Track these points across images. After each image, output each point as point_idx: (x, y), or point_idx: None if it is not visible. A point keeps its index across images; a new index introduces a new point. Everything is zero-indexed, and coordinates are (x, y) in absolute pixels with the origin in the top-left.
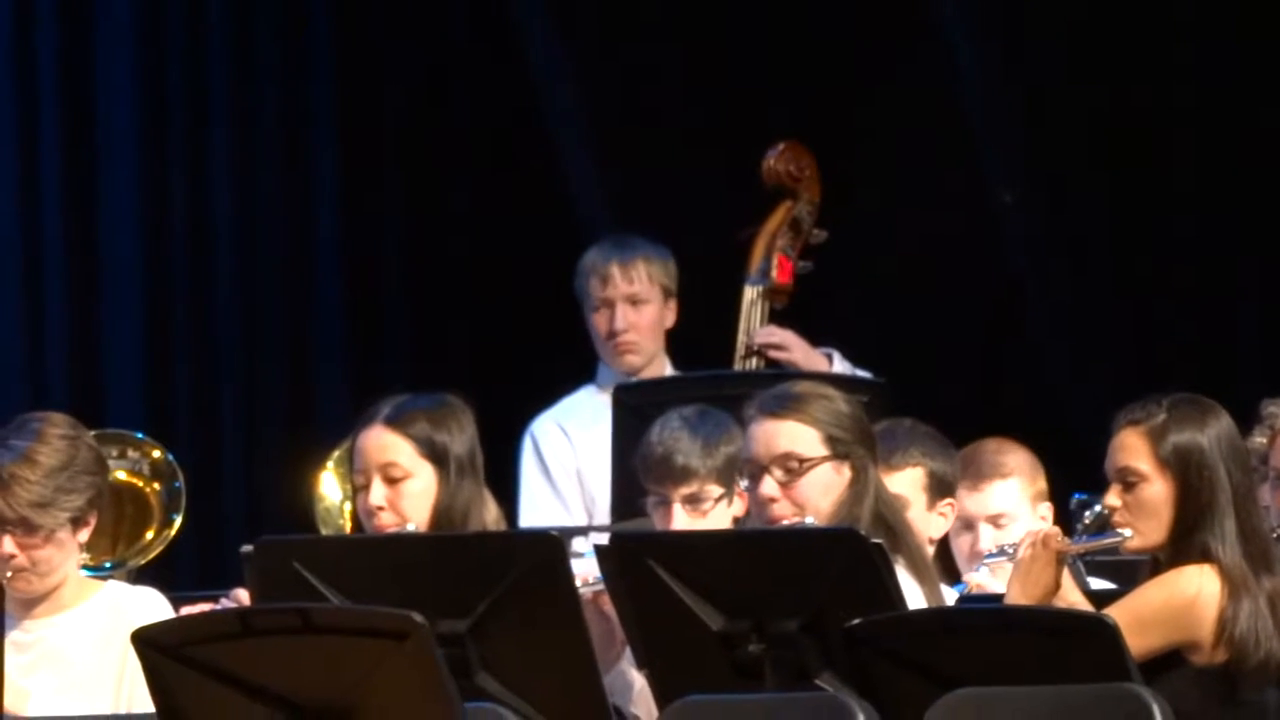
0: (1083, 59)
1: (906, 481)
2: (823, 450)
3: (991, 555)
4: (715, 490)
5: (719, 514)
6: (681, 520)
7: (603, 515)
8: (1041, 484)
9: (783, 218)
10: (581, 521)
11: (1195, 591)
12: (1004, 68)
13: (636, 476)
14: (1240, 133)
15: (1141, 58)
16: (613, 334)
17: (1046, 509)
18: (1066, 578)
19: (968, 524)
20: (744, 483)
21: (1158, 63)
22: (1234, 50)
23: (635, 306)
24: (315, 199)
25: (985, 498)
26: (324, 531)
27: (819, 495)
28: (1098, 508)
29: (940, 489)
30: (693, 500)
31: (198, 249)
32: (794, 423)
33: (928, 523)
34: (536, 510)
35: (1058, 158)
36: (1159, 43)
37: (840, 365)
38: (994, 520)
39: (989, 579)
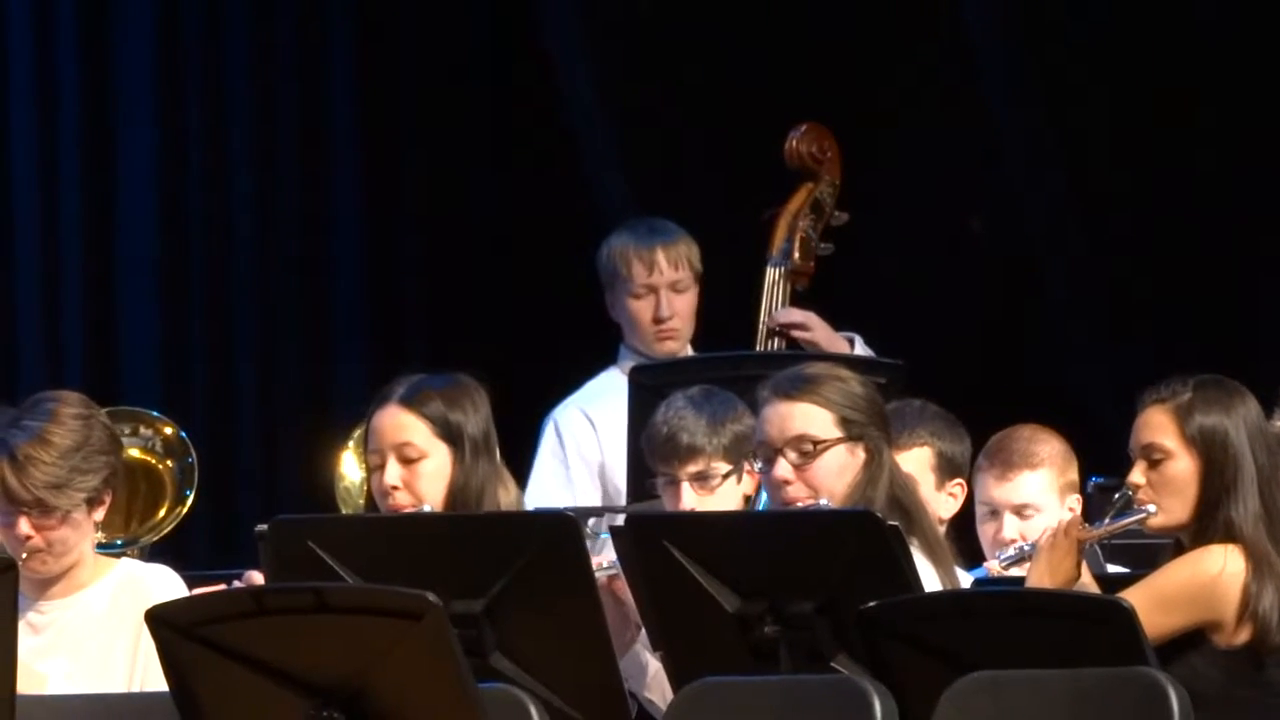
0: (1103, 39)
1: (914, 461)
2: (837, 432)
3: (1007, 556)
4: (722, 467)
5: (727, 491)
6: (690, 499)
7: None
8: (1072, 475)
9: (804, 199)
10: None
11: (1219, 570)
12: (1023, 49)
13: None
14: (1264, 118)
15: (1164, 35)
16: (659, 320)
17: (1075, 500)
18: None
19: (994, 511)
20: (758, 465)
21: (1180, 41)
22: (1256, 28)
23: (679, 293)
24: (334, 178)
25: (1013, 487)
26: (344, 511)
27: (833, 477)
28: (1126, 490)
29: (949, 469)
30: (700, 478)
31: (216, 227)
32: (808, 404)
33: (936, 503)
34: (545, 495)
35: (1077, 139)
36: (1185, 31)
37: (861, 350)
38: (1019, 510)
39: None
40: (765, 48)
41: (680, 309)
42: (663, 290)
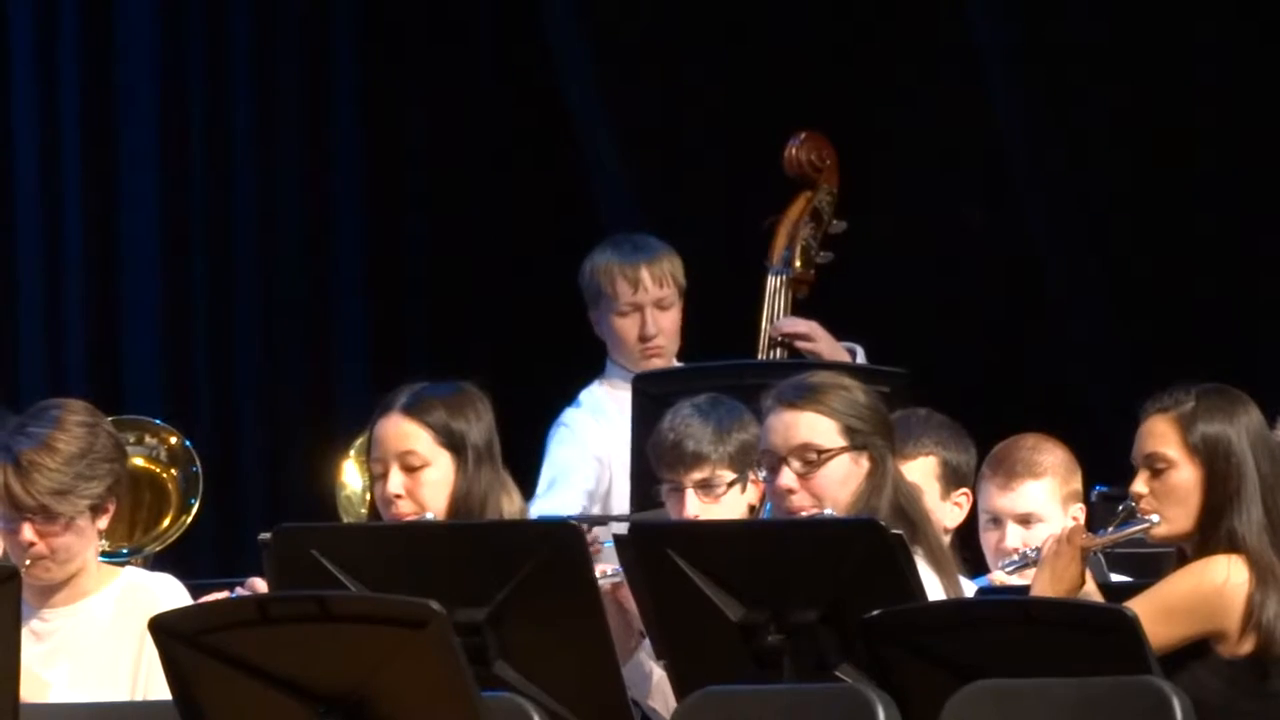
0: (1105, 48)
1: (919, 471)
2: (841, 441)
3: (1011, 563)
4: (727, 475)
5: (732, 499)
6: (694, 506)
7: (622, 507)
8: (1076, 484)
9: (804, 207)
10: (593, 504)
11: (1223, 580)
12: (1025, 55)
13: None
14: (1265, 119)
15: (1166, 46)
16: (645, 338)
17: (1079, 510)
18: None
19: (996, 521)
20: (762, 473)
21: (1182, 52)
22: (1261, 39)
23: (664, 310)
24: (337, 185)
25: (1016, 497)
26: (346, 519)
27: (837, 486)
28: (1130, 501)
29: (954, 478)
30: (705, 486)
31: (218, 235)
32: (812, 413)
33: (942, 512)
34: (564, 471)
35: (1081, 148)
36: (1185, 32)
37: (862, 361)
38: (1023, 520)
39: (1013, 578)
40: (768, 54)
41: (665, 326)
42: (648, 308)
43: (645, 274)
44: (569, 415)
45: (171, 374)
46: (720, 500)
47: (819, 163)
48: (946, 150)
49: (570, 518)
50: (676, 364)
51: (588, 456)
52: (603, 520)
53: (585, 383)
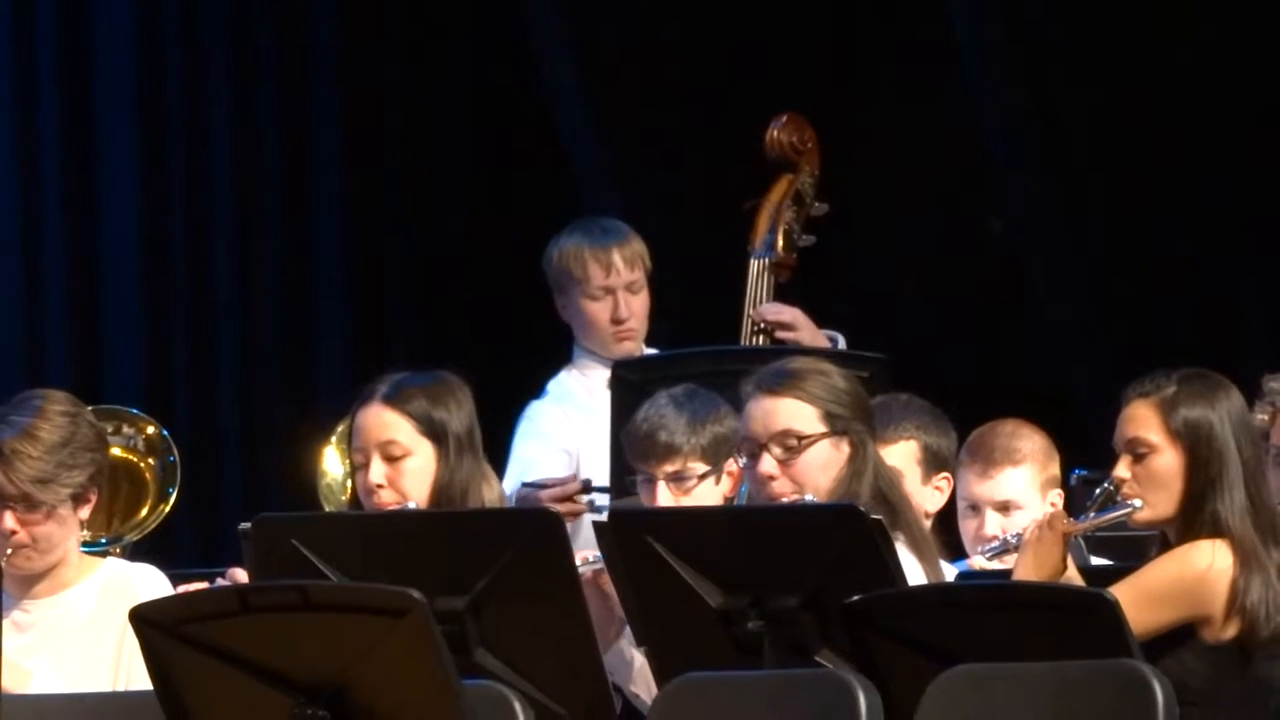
0: (1082, 31)
1: (900, 455)
2: (821, 427)
3: (991, 548)
4: (699, 468)
5: (703, 492)
6: (665, 498)
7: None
8: (1054, 470)
9: (786, 190)
10: None
11: (1207, 565)
12: (1003, 37)
13: None
14: (1241, 107)
15: (1142, 30)
16: (618, 321)
17: (1057, 495)
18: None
19: (975, 507)
20: (743, 460)
21: (1157, 33)
22: (1242, 36)
23: (634, 293)
24: (316, 174)
25: (995, 484)
26: (326, 508)
27: (818, 472)
28: (1107, 484)
29: (935, 463)
30: (677, 478)
31: (197, 223)
32: (792, 400)
33: (922, 496)
34: (527, 469)
35: (1057, 129)
36: (1161, 16)
37: (842, 348)
38: (1002, 508)
39: (993, 563)
40: (747, 36)
41: (637, 309)
42: (620, 291)
43: (617, 256)
44: (533, 409)
45: (151, 363)
46: (692, 493)
47: (800, 145)
48: (926, 136)
49: (556, 480)
50: (649, 350)
51: (553, 450)
52: (589, 490)
53: (544, 378)
